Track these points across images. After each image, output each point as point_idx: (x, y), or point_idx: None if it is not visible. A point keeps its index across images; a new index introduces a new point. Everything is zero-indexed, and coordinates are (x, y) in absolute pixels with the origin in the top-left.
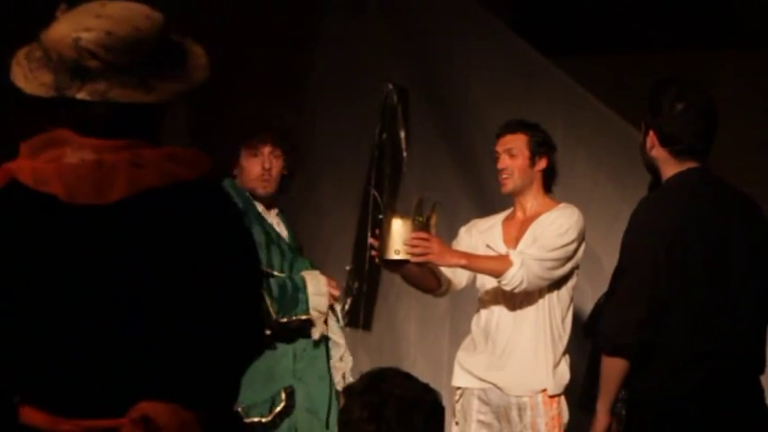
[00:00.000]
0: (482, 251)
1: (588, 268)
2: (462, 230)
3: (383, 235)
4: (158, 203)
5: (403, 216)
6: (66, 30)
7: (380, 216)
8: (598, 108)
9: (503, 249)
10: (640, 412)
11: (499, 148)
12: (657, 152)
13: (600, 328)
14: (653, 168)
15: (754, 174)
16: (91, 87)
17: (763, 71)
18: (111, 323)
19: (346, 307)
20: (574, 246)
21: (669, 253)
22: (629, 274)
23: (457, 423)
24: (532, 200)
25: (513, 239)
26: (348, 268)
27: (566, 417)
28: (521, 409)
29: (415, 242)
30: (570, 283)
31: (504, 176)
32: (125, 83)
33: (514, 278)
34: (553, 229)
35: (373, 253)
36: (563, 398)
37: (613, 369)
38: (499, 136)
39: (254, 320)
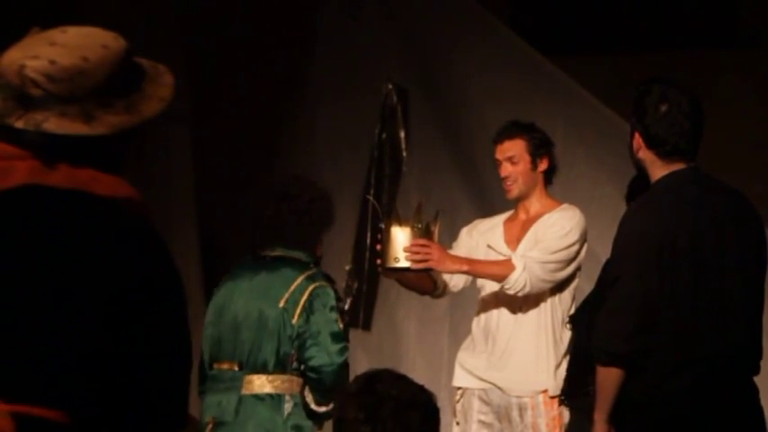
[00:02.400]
0: (483, 252)
1: (588, 268)
2: (463, 231)
3: (383, 243)
4: (52, 200)
5: (402, 223)
6: (16, 56)
7: (381, 224)
8: (598, 108)
9: (504, 250)
10: (633, 416)
11: (499, 156)
12: (644, 154)
13: (593, 339)
14: (643, 169)
15: (755, 173)
16: (30, 116)
17: (763, 71)
18: None
19: (346, 307)
20: (576, 247)
21: (658, 259)
22: (619, 284)
23: (458, 423)
24: (536, 202)
25: (514, 239)
26: (348, 268)
27: (566, 417)
28: (521, 410)
29: (415, 249)
30: (572, 285)
31: (509, 183)
32: (65, 113)
33: (517, 282)
34: (555, 230)
35: (378, 261)
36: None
37: (609, 378)
38: (497, 142)
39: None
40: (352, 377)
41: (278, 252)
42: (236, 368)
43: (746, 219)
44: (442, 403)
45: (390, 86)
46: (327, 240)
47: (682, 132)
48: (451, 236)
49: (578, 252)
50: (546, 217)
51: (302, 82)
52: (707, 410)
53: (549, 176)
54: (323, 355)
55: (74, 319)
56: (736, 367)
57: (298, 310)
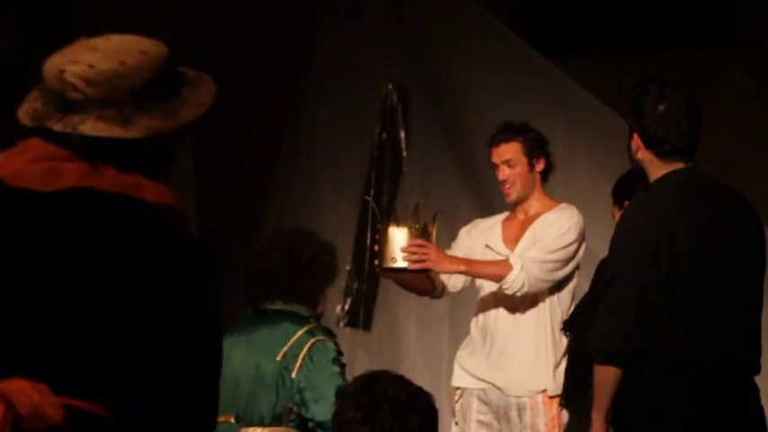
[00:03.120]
0: (481, 252)
1: (588, 268)
2: (462, 231)
3: (381, 243)
4: (103, 203)
5: (400, 223)
6: (58, 61)
7: (379, 225)
8: (598, 108)
9: (502, 249)
10: (632, 415)
11: (496, 160)
12: (643, 154)
13: (590, 338)
14: (642, 170)
15: (755, 173)
16: (68, 119)
17: (763, 71)
18: (26, 302)
19: (346, 307)
20: (574, 246)
21: (656, 258)
22: (616, 282)
23: (456, 423)
24: (535, 202)
25: (513, 239)
26: (348, 268)
27: (565, 417)
28: (520, 410)
29: (412, 249)
30: (571, 284)
31: (507, 186)
32: (102, 116)
33: (515, 282)
34: (553, 230)
35: (376, 262)
36: None
37: (606, 377)
38: (492, 146)
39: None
40: (351, 378)
41: (277, 306)
42: (233, 420)
43: (745, 218)
44: (442, 404)
45: (390, 86)
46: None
47: (680, 132)
48: (451, 236)
49: (576, 251)
50: (544, 216)
51: (302, 82)
52: (707, 410)
53: (545, 175)
54: (328, 410)
55: (117, 321)
56: (736, 367)
57: (297, 364)
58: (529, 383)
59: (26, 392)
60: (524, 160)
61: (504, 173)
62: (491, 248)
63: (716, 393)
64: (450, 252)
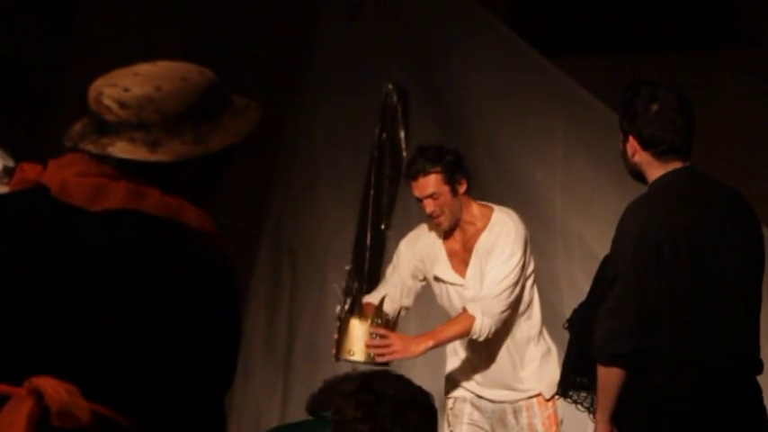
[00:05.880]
0: (429, 264)
1: (588, 268)
2: (402, 244)
3: (340, 333)
4: (148, 227)
5: (361, 317)
6: (100, 83)
7: (339, 316)
8: (598, 108)
9: (454, 278)
10: (636, 416)
11: (418, 194)
12: (640, 156)
13: (593, 339)
14: (638, 175)
15: (755, 173)
16: (101, 141)
17: (763, 71)
18: (57, 313)
19: (346, 307)
20: (522, 262)
21: (657, 258)
22: (618, 283)
23: (451, 431)
24: (469, 217)
25: (460, 263)
26: (348, 268)
27: (561, 415)
28: (516, 412)
29: (377, 343)
30: (527, 284)
31: (436, 217)
32: (133, 139)
33: (482, 329)
34: (495, 256)
35: (333, 351)
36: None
37: (610, 378)
38: (411, 179)
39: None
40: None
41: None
42: None
43: (744, 218)
44: (441, 403)
45: (390, 86)
46: (327, 240)
47: (675, 130)
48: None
49: (524, 264)
50: (483, 238)
51: (302, 82)
52: (710, 411)
53: (469, 188)
54: None
55: (150, 340)
56: (738, 367)
57: None
58: (521, 393)
59: (57, 390)
60: (447, 189)
61: (430, 206)
62: (442, 280)
63: (718, 394)
64: (393, 267)
